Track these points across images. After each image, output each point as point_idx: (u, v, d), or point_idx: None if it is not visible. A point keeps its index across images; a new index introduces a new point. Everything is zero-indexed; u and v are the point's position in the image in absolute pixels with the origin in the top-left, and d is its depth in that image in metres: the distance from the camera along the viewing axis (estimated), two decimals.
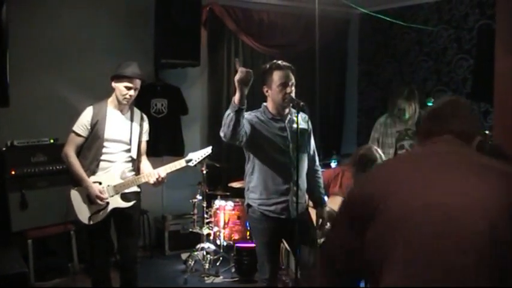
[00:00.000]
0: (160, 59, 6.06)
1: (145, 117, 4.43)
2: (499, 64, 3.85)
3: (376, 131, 5.22)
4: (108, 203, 4.11)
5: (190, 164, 4.34)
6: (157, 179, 4.14)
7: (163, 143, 6.40)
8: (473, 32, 6.16)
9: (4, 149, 5.17)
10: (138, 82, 4.19)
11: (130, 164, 4.25)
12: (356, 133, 8.08)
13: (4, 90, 3.40)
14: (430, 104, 5.08)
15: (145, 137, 4.40)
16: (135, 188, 4.27)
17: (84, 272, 5.47)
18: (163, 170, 4.18)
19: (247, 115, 3.67)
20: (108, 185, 4.12)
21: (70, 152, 4.14)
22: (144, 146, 4.39)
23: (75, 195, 4.14)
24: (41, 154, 5.33)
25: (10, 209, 5.05)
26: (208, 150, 4.50)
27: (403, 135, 5.07)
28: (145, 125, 4.40)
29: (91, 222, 4.11)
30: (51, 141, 5.42)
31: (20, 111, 5.36)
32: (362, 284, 4.45)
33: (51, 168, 5.34)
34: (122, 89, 4.11)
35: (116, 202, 4.15)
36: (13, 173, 5.12)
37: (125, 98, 4.13)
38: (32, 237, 5.13)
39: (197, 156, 4.41)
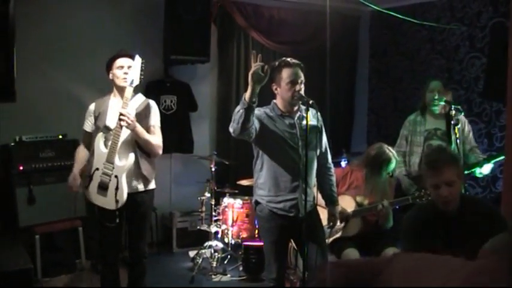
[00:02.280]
0: (169, 55, 6.04)
1: (151, 102, 4.26)
2: None
3: (405, 128, 5.14)
4: (116, 177, 3.99)
5: (134, 84, 4.02)
6: (122, 120, 3.93)
7: (172, 139, 6.35)
8: (486, 30, 6.08)
9: (12, 144, 5.17)
10: (129, 60, 4.10)
11: (134, 152, 4.11)
12: (366, 131, 8.02)
13: (11, 85, 3.37)
14: (442, 103, 4.99)
15: (152, 121, 4.21)
16: (150, 186, 4.23)
17: (92, 268, 5.46)
18: (122, 108, 3.95)
19: (256, 111, 3.62)
20: (103, 163, 4.01)
21: (79, 148, 4.26)
22: (152, 130, 4.19)
23: (89, 194, 4.09)
24: (49, 149, 5.34)
25: (18, 204, 5.07)
26: (137, 59, 4.07)
27: (431, 134, 4.98)
28: (152, 111, 4.22)
29: (119, 205, 4.01)
30: (60, 136, 5.43)
31: (28, 107, 5.36)
32: None
33: (59, 163, 5.35)
34: (116, 72, 4.07)
35: (121, 169, 4.01)
36: (21, 168, 5.13)
37: (123, 79, 4.04)
38: (40, 232, 5.12)
39: (135, 74, 4.03)
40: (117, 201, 4.00)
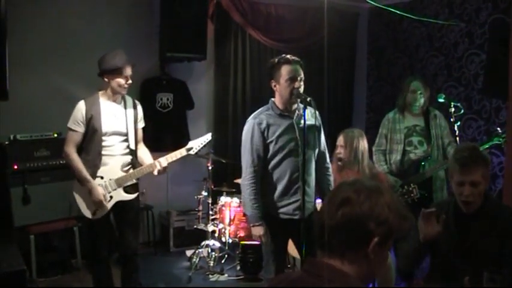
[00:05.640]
0: (165, 53, 5.98)
1: (138, 103, 4.41)
2: None
3: (384, 126, 5.14)
4: (111, 197, 4.13)
5: (191, 152, 4.29)
6: (158, 170, 4.16)
7: (168, 137, 6.33)
8: (485, 27, 6.02)
9: (7, 143, 5.13)
10: (131, 69, 4.21)
11: (129, 156, 4.25)
12: (365, 129, 7.96)
13: (3, 83, 3.31)
14: (441, 100, 4.96)
15: (140, 124, 4.39)
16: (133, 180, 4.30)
17: (87, 268, 5.41)
18: (165, 160, 4.17)
19: (256, 127, 3.69)
20: (110, 179, 4.12)
21: (71, 151, 4.14)
22: (140, 133, 4.39)
23: (78, 189, 4.15)
24: (44, 148, 5.30)
25: (12, 204, 5.02)
26: (208, 137, 4.41)
27: (411, 131, 4.98)
28: (139, 112, 4.38)
29: (96, 217, 4.12)
30: (55, 135, 5.38)
31: (22, 106, 5.32)
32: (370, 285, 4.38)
33: (54, 162, 5.31)
34: (120, 80, 4.12)
35: (119, 195, 4.16)
36: (16, 167, 5.09)
37: (125, 88, 4.17)
38: (35, 232, 5.09)
39: (197, 144, 4.34)
40: (100, 209, 4.15)
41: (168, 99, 6.39)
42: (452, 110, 4.86)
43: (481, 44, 6.08)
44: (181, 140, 6.47)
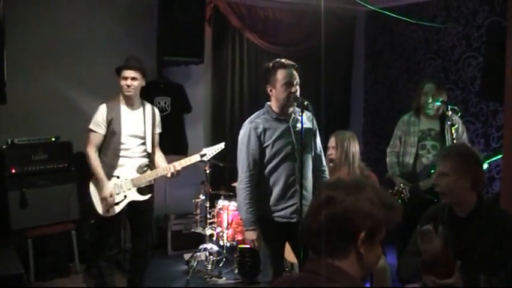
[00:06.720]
0: (163, 56, 5.98)
1: (156, 110, 4.60)
2: (510, 62, 3.75)
3: (399, 128, 5.13)
4: (125, 196, 4.28)
5: (204, 158, 4.58)
6: (172, 172, 4.34)
7: (166, 141, 6.26)
8: (482, 29, 6.04)
9: (4, 147, 5.13)
10: (133, 72, 4.29)
11: (146, 159, 4.41)
12: (362, 132, 7.97)
13: (1, 87, 3.33)
14: (438, 104, 4.95)
15: (158, 130, 4.57)
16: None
17: (85, 272, 5.41)
18: (179, 164, 4.36)
19: (252, 133, 3.68)
20: (126, 179, 4.27)
21: (91, 152, 4.28)
22: (157, 138, 4.57)
23: (94, 185, 4.28)
24: (42, 152, 5.31)
25: (10, 207, 5.02)
26: (221, 145, 4.71)
27: (425, 134, 4.96)
28: (157, 118, 4.56)
29: (108, 214, 4.25)
30: (52, 139, 5.38)
31: (20, 109, 5.33)
32: (368, 284, 4.38)
33: (52, 166, 5.33)
34: (121, 81, 4.28)
35: (133, 195, 4.31)
36: (13, 171, 5.10)
37: (125, 89, 4.28)
38: (32, 236, 5.08)
39: (211, 151, 4.64)
40: (113, 207, 4.27)
41: (165, 103, 6.39)
42: (449, 113, 4.86)
43: (478, 47, 6.09)
44: (179, 144, 6.51)
